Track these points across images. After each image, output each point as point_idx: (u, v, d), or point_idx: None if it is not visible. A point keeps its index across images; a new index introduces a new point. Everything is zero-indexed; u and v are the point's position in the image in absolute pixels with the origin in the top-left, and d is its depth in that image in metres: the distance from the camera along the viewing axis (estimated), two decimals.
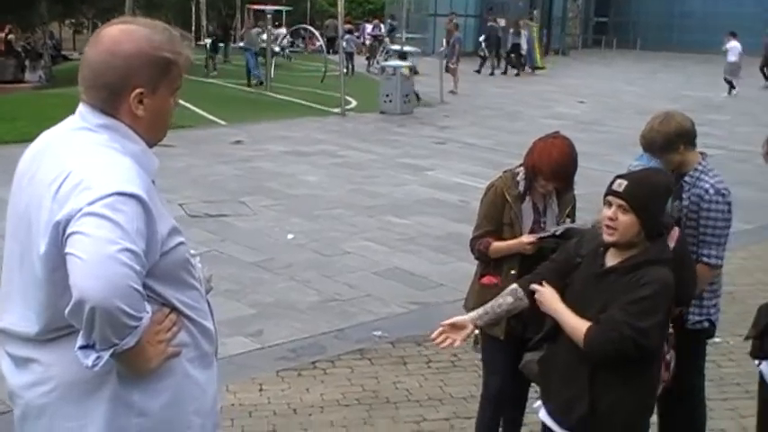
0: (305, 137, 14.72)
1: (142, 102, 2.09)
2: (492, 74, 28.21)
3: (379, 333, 5.95)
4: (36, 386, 2.10)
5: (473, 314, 3.19)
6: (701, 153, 3.78)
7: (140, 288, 1.91)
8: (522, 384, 3.83)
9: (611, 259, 2.87)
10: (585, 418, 2.83)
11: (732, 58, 23.10)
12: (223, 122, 16.18)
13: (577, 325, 2.80)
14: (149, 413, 2.11)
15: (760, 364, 3.34)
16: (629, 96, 22.07)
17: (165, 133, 2.25)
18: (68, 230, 1.89)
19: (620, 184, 2.80)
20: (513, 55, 28.35)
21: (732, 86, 23.05)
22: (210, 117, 16.63)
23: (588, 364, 2.80)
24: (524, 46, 28.61)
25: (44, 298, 2.04)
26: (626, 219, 2.76)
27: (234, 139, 14.18)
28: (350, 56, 27.00)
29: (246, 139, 14.25)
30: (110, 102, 2.09)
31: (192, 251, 2.35)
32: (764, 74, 25.32)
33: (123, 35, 2.08)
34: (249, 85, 22.66)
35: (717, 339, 5.55)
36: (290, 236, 8.35)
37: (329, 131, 15.56)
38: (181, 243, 2.15)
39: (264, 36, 23.46)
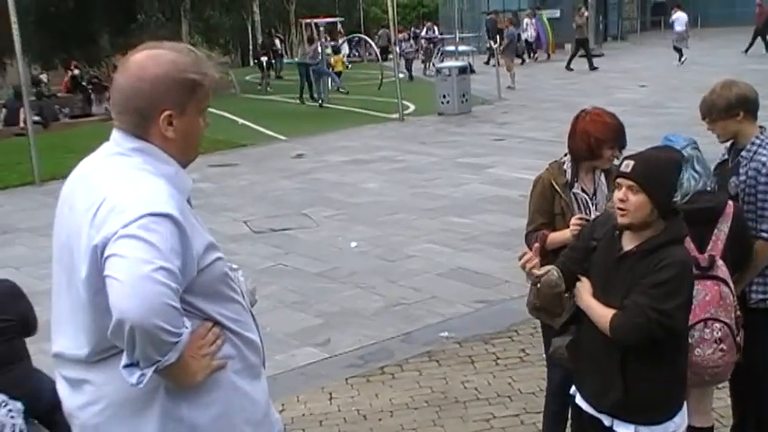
0: (364, 145, 14.81)
1: (171, 123, 2.15)
2: (487, 62, 27.93)
3: (446, 334, 5.94)
4: (89, 406, 2.16)
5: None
6: (761, 127, 3.68)
7: (177, 305, 1.95)
8: None
9: (628, 242, 2.84)
10: (620, 401, 2.84)
11: (678, 27, 24.63)
12: (283, 137, 16.38)
13: (604, 314, 2.79)
14: (199, 426, 2.15)
15: None
16: (690, 75, 21.54)
17: (197, 152, 2.31)
18: (106, 253, 1.96)
19: (628, 165, 2.78)
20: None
21: (681, 54, 24.34)
22: (270, 133, 16.87)
23: (618, 350, 2.79)
24: (526, 36, 29.18)
25: (90, 321, 2.10)
26: (637, 199, 2.74)
27: (295, 153, 14.35)
28: (408, 62, 27.05)
29: (307, 152, 14.40)
30: (141, 125, 2.15)
31: (234, 266, 2.39)
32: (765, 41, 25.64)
33: (149, 60, 2.15)
34: (302, 101, 22.53)
35: None
36: (353, 244, 8.40)
37: (388, 137, 15.62)
38: (218, 258, 2.19)
39: (328, 50, 23.33)
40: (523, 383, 5.05)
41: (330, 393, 5.15)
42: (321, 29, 24.38)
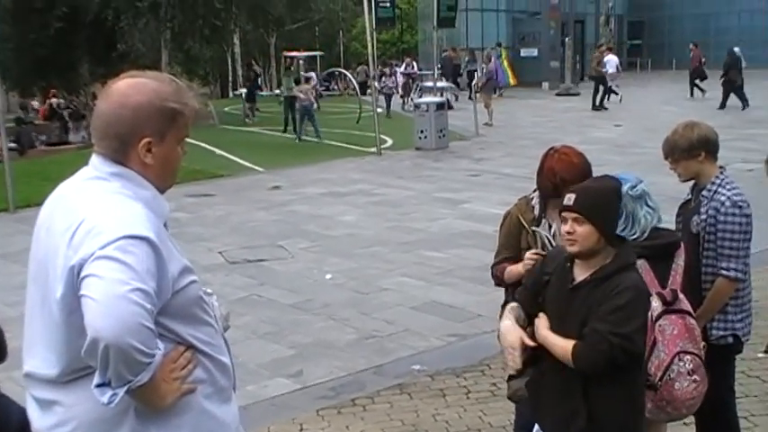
0: (341, 178, 14.87)
1: (150, 150, 2.20)
2: (456, 99, 28.27)
3: (417, 367, 5.96)
4: (58, 427, 2.17)
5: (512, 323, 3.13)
6: (721, 167, 3.78)
7: (152, 325, 1.98)
8: None
9: (580, 271, 2.90)
10: (584, 430, 2.86)
11: (610, 69, 26.40)
12: (261, 169, 16.42)
13: (564, 345, 2.83)
14: None
15: None
16: (665, 116, 21.80)
17: (174, 180, 2.34)
18: (82, 274, 1.98)
19: (570, 198, 2.86)
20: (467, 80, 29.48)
21: (615, 93, 26.62)
22: (248, 164, 16.90)
23: (580, 380, 2.82)
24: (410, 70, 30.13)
25: (63, 341, 2.12)
26: (583, 230, 2.82)
27: (272, 185, 14.38)
28: (388, 97, 27.27)
29: (284, 184, 14.43)
30: (120, 151, 2.19)
31: (209, 290, 2.42)
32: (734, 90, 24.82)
33: (131, 88, 2.20)
34: (285, 131, 22.79)
35: (760, 355, 5.50)
36: (328, 276, 8.42)
37: (365, 171, 15.70)
38: (193, 282, 2.22)
39: (293, 85, 23.41)
40: (494, 417, 5.06)
41: (301, 425, 5.14)
42: (301, 62, 24.48)
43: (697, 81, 27.00)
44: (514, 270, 3.66)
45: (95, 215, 2.08)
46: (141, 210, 2.13)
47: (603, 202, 2.86)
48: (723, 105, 23.51)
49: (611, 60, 26.80)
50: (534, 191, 3.76)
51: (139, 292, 1.95)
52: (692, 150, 3.68)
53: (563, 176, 3.53)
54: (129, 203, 2.14)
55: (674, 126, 3.86)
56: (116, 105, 2.18)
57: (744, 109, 22.94)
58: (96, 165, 2.23)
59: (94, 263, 1.97)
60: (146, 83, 2.22)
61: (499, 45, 33.64)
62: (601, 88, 25.37)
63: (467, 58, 31.40)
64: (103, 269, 1.96)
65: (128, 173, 2.19)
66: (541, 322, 2.95)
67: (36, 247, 2.26)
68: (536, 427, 3.15)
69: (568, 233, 2.84)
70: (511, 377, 3.12)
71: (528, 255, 3.56)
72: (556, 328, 2.90)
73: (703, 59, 28.07)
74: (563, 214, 2.89)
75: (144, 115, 2.17)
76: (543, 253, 3.52)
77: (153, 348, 1.99)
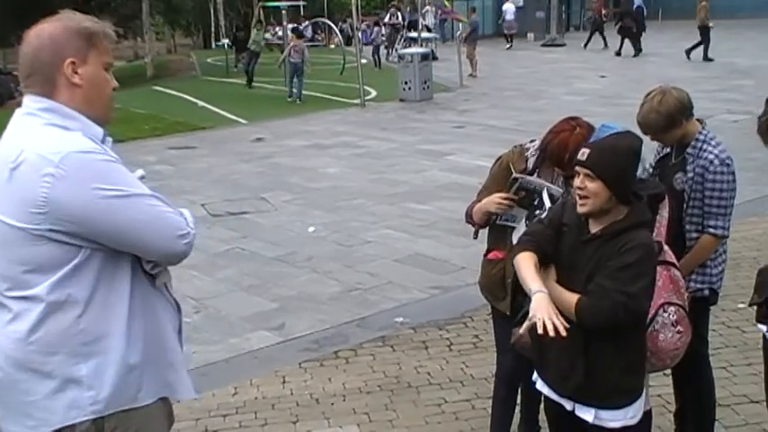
0: (325, 130, 14.77)
1: (76, 72, 2.23)
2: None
3: (400, 320, 5.97)
4: None
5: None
6: (699, 121, 3.73)
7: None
8: None
9: (595, 226, 2.87)
10: (582, 384, 2.87)
11: (508, 17, 28.47)
12: (244, 121, 16.27)
13: (568, 298, 2.80)
14: None
15: None
16: (651, 67, 21.81)
17: (108, 112, 2.34)
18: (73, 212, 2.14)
19: (584, 153, 2.83)
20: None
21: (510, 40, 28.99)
22: (231, 117, 16.76)
23: (581, 334, 2.80)
24: (426, 22, 29.11)
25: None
26: (594, 186, 2.78)
27: (254, 137, 14.26)
28: (376, 48, 26.98)
29: (267, 136, 14.32)
30: (48, 82, 2.22)
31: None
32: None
33: (45, 23, 2.28)
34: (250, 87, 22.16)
35: (740, 305, 5.53)
36: (311, 229, 8.39)
37: (349, 123, 15.59)
38: None
39: (267, 35, 22.89)
40: (476, 369, 5.09)
41: (283, 377, 5.15)
42: (284, 12, 24.07)
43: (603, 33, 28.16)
44: (483, 207, 3.62)
45: (33, 145, 2.13)
46: (80, 135, 2.19)
47: (617, 160, 2.80)
48: (619, 52, 25.51)
49: (509, 8, 29.33)
50: (532, 141, 3.70)
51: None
52: (671, 122, 3.61)
53: (572, 156, 3.46)
54: (63, 132, 2.18)
55: (670, 77, 3.78)
56: (33, 38, 2.24)
57: (635, 56, 24.97)
58: (26, 103, 2.26)
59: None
60: (57, 17, 2.29)
61: None
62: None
63: (408, 9, 31.35)
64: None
65: (56, 106, 2.22)
66: (549, 274, 2.92)
67: None
68: (536, 377, 3.15)
69: (579, 188, 2.81)
70: (517, 323, 3.10)
71: (497, 196, 3.53)
72: (564, 280, 2.88)
73: (605, 11, 29.54)
74: (576, 168, 2.85)
75: (61, 39, 2.22)
76: (514, 197, 3.50)
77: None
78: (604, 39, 28.33)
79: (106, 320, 2.19)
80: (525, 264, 2.89)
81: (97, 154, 2.15)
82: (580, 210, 2.84)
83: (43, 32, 2.24)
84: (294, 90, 19.07)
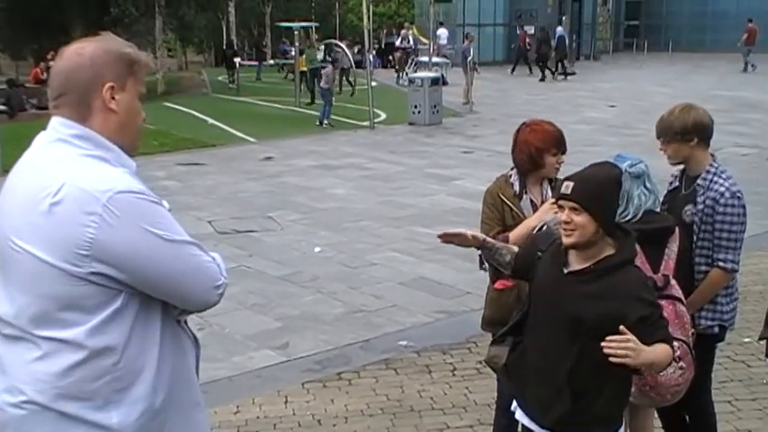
0: (333, 151, 14.82)
1: (114, 97, 2.13)
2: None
3: (404, 343, 5.96)
4: None
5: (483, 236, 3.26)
6: (712, 154, 3.74)
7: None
8: None
9: (575, 259, 2.82)
10: (566, 414, 2.80)
11: (442, 41, 28.85)
12: (253, 140, 16.34)
13: (664, 350, 2.71)
14: None
15: None
16: (660, 98, 21.79)
17: (137, 141, 2.27)
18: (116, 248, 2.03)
19: (568, 186, 2.75)
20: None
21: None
22: (240, 135, 16.83)
23: (566, 363, 2.76)
24: (404, 45, 30.51)
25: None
26: (580, 219, 2.72)
27: (263, 156, 14.31)
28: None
29: (276, 155, 14.37)
30: (82, 105, 2.11)
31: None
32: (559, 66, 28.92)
33: (85, 43, 2.17)
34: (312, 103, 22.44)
35: (746, 339, 5.51)
36: (317, 249, 8.40)
37: (358, 144, 15.64)
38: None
39: (320, 55, 23.40)
40: (479, 395, 5.07)
41: (286, 397, 5.14)
42: (296, 33, 24.28)
43: (550, 65, 28.78)
44: (518, 231, 3.54)
45: (75, 179, 2.00)
46: (120, 171, 2.08)
47: (602, 191, 2.75)
48: (542, 78, 27.19)
49: (443, 33, 29.20)
50: (512, 168, 3.75)
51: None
52: (686, 134, 3.61)
53: (537, 145, 3.61)
54: (104, 166, 2.08)
55: (670, 107, 3.80)
56: (73, 56, 2.13)
57: (541, 80, 26.90)
58: (56, 127, 2.13)
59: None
60: (98, 38, 2.20)
61: (411, 23, 35.52)
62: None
63: (384, 32, 33.80)
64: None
65: (89, 134, 2.10)
66: (639, 349, 2.62)
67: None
68: (516, 407, 3.08)
69: (566, 223, 2.74)
70: (492, 343, 3.10)
71: (548, 205, 3.47)
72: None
73: (529, 42, 30.74)
74: (560, 202, 2.79)
75: (101, 62, 2.12)
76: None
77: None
78: (530, 66, 30.04)
79: (140, 366, 2.08)
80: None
81: (145, 195, 2.04)
82: (566, 241, 2.77)
83: (84, 51, 2.13)
84: (322, 116, 19.12)
